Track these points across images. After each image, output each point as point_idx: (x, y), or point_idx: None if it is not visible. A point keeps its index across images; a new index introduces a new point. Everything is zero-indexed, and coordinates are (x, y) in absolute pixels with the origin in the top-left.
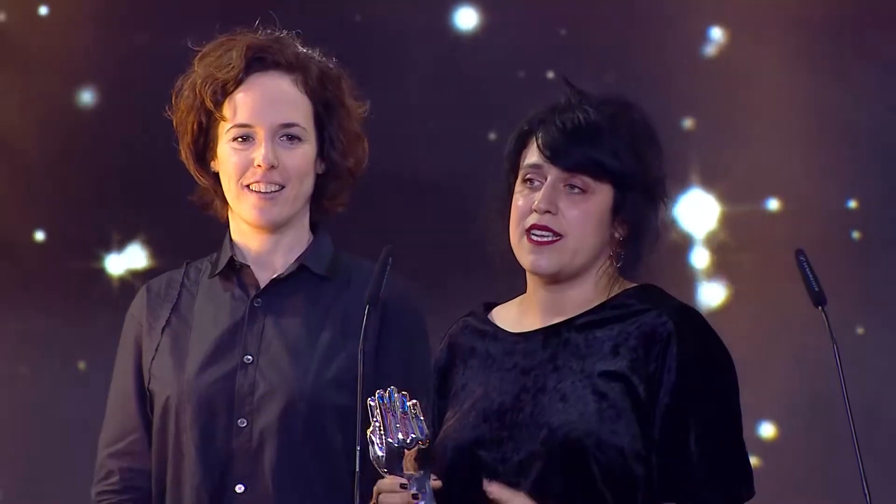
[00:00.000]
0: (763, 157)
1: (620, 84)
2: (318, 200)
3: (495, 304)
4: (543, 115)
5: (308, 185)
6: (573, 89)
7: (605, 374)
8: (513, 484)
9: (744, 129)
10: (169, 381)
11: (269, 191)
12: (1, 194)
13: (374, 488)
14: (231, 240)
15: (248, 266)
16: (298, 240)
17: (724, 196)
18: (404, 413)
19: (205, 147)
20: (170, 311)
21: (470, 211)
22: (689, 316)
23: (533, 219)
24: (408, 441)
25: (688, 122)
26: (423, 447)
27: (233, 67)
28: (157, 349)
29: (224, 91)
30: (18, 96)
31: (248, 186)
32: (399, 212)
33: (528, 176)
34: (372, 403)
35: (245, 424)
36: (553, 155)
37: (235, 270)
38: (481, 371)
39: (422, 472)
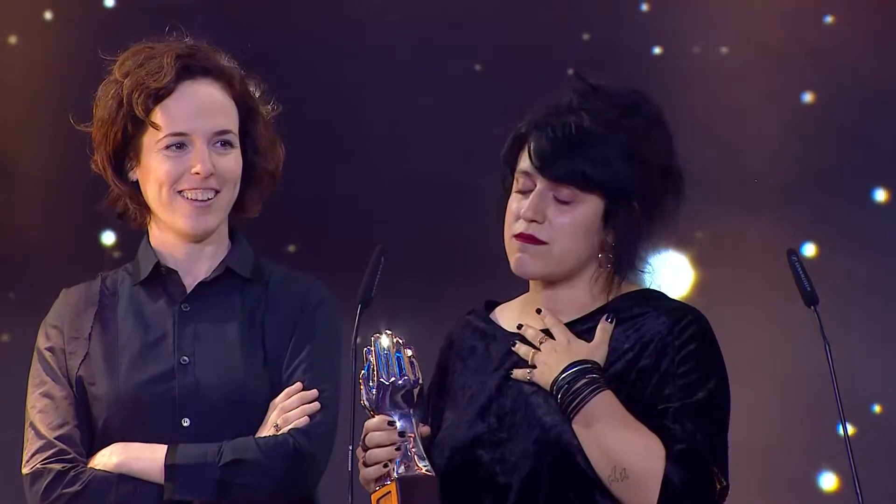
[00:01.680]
0: None
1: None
2: (238, 205)
3: (497, 304)
4: (539, 118)
5: (237, 191)
6: (581, 87)
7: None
8: (507, 482)
9: None
10: (103, 388)
11: (205, 198)
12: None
13: (363, 428)
14: (151, 247)
15: (176, 272)
16: (220, 246)
17: None
18: (397, 359)
19: (124, 155)
20: (93, 319)
21: (466, 211)
22: (686, 313)
23: (520, 226)
24: (399, 383)
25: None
26: (412, 390)
27: (164, 75)
28: (85, 356)
29: (156, 99)
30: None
31: (180, 193)
32: (394, 212)
33: (520, 181)
34: (367, 348)
35: (189, 424)
36: (541, 165)
37: (160, 277)
38: (480, 371)
39: (410, 412)
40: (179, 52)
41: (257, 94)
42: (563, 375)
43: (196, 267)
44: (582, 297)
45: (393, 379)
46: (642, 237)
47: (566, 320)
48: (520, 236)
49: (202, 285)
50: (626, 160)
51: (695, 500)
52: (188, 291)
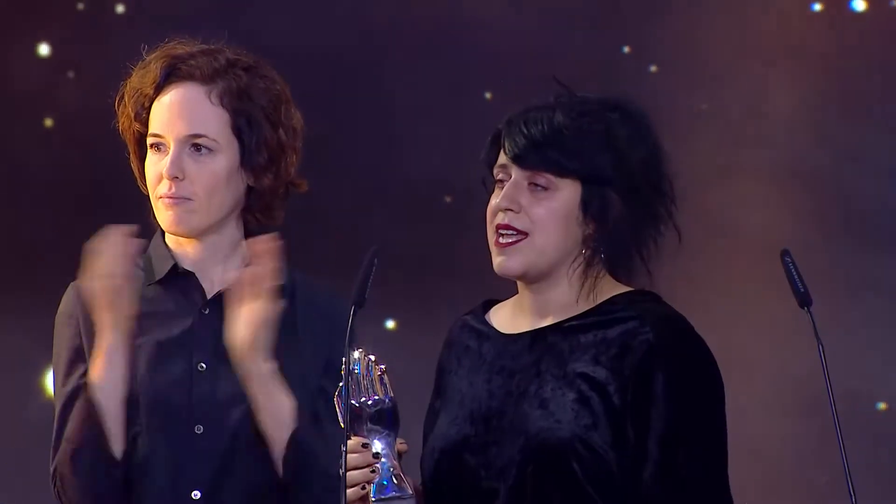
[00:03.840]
0: None
1: None
2: (251, 212)
3: (495, 302)
4: (513, 116)
5: (226, 197)
6: (559, 88)
7: (585, 381)
8: (493, 489)
9: None
10: None
11: (177, 196)
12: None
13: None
14: (167, 246)
15: (193, 274)
16: (234, 248)
17: None
18: (369, 377)
19: (143, 156)
20: None
21: (464, 212)
22: (671, 328)
23: (498, 218)
24: (369, 403)
25: None
26: (386, 409)
27: (152, 80)
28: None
29: (148, 101)
30: None
31: (161, 197)
32: (390, 212)
33: (498, 176)
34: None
35: (202, 431)
36: (514, 154)
37: (176, 278)
38: (472, 371)
39: (386, 432)
40: (171, 54)
41: (271, 103)
42: None
43: (210, 267)
44: (564, 296)
45: (364, 399)
46: (625, 231)
47: (553, 320)
48: (499, 227)
49: (227, 292)
50: (604, 149)
51: None
52: (207, 295)
